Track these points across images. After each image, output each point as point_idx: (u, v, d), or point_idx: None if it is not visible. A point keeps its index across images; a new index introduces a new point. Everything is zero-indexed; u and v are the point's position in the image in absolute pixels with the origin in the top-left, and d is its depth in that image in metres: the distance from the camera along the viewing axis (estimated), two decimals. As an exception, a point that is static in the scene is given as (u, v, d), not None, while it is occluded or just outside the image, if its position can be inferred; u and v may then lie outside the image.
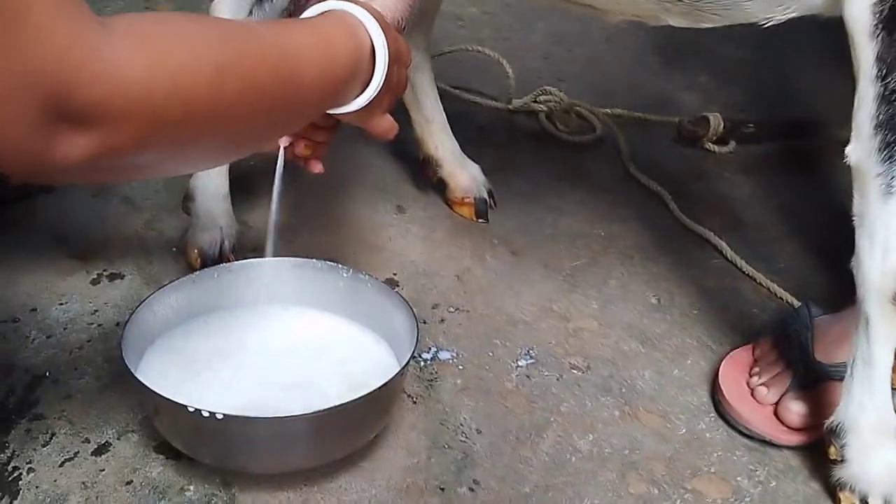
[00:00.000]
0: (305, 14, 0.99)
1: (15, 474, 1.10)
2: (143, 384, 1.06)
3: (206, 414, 1.01)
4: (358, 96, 1.00)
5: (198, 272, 1.28)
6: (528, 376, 1.32)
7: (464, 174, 1.65)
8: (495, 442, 1.21)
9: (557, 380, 1.32)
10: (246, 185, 1.56)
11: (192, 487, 1.11)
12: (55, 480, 1.10)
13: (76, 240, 1.47)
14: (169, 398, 1.04)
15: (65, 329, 1.31)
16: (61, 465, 1.12)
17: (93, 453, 1.14)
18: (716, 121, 1.90)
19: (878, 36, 1.02)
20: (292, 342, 1.23)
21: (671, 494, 1.16)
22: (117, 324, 1.31)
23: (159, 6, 2.27)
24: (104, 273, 1.42)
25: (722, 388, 1.29)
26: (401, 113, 1.13)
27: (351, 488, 1.13)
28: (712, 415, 1.29)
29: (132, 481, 1.11)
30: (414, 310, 1.20)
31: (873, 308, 1.08)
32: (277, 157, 1.15)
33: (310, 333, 1.25)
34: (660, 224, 1.67)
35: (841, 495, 1.15)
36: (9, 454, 1.13)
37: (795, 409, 1.24)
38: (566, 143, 1.89)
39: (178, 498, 1.10)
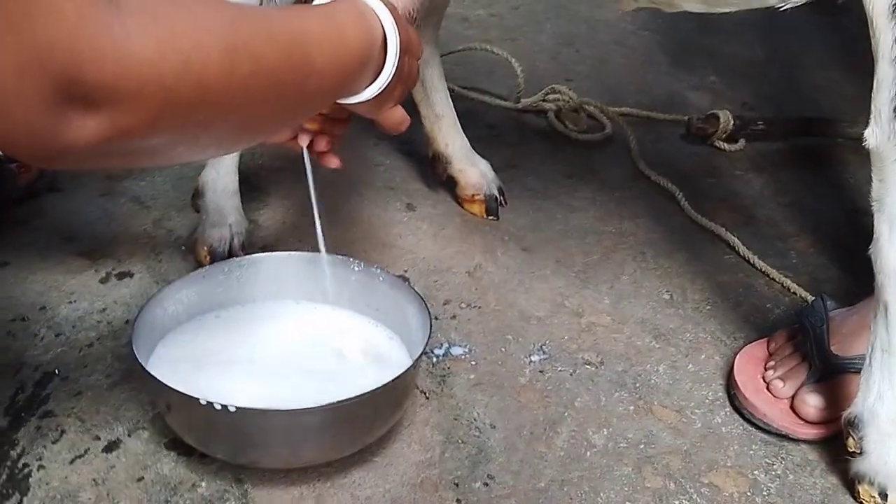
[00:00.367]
0: (317, 1, 0.98)
1: (25, 471, 1.09)
2: (154, 378, 1.06)
3: (218, 406, 1.00)
4: (369, 86, 0.99)
5: (207, 267, 1.27)
6: (541, 371, 1.31)
7: (474, 171, 1.64)
8: (509, 437, 1.20)
9: (571, 375, 1.31)
10: (255, 182, 1.56)
11: (203, 484, 1.10)
12: (66, 477, 1.09)
13: (85, 238, 1.47)
14: (181, 391, 1.03)
15: (74, 327, 1.31)
16: (71, 462, 1.11)
17: (103, 450, 1.13)
18: (725, 118, 1.89)
19: None
20: (304, 337, 1.22)
21: (688, 489, 1.15)
22: (126, 321, 1.31)
23: None
24: (113, 271, 1.41)
25: (737, 381, 1.27)
26: (410, 111, 1.12)
27: (364, 483, 1.12)
28: (728, 409, 1.28)
29: (143, 478, 1.10)
30: (426, 303, 1.19)
31: (893, 295, 1.07)
32: (298, 155, 1.13)
33: (321, 328, 1.24)
34: (671, 220, 1.66)
35: (860, 488, 1.13)
36: (19, 451, 1.12)
37: (812, 403, 1.23)
38: (576, 142, 1.88)
39: (189, 494, 1.09)
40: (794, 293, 1.49)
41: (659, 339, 1.39)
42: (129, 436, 1.15)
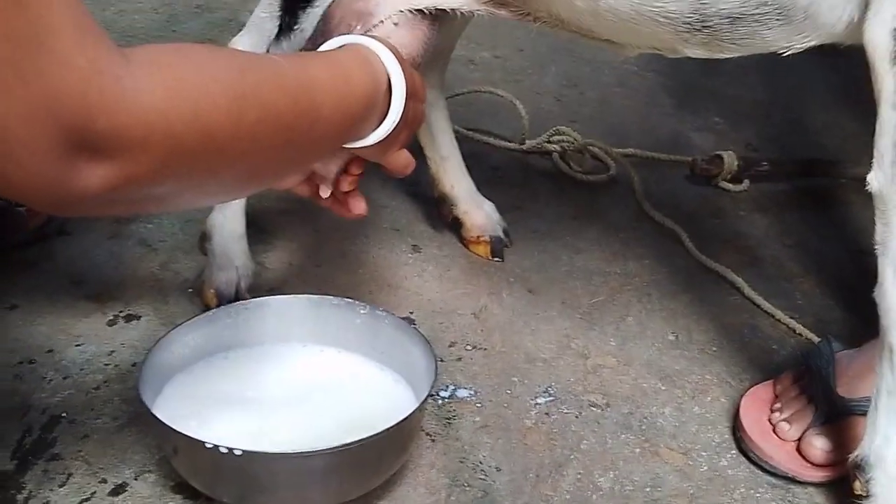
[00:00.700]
0: (323, 48, 0.99)
1: (31, 514, 1.10)
2: (160, 421, 1.06)
3: (224, 450, 1.00)
4: (375, 130, 1.00)
5: (214, 310, 1.27)
6: (547, 413, 1.31)
7: (479, 213, 1.65)
8: (515, 479, 1.20)
9: (577, 417, 1.31)
10: (262, 225, 1.56)
11: (209, 527, 1.10)
12: (72, 521, 1.09)
13: (92, 281, 1.47)
14: (187, 434, 1.04)
15: (81, 370, 1.31)
16: (78, 506, 1.11)
17: (110, 493, 1.13)
18: (730, 159, 1.90)
19: None
20: (310, 380, 1.23)
21: (695, 532, 1.15)
22: (133, 364, 1.31)
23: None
24: (120, 314, 1.42)
25: (743, 424, 1.27)
26: (415, 153, 1.13)
27: (370, 527, 1.12)
28: (734, 451, 1.28)
29: (149, 521, 1.10)
30: (432, 346, 1.20)
31: (898, 338, 1.07)
32: (304, 199, 1.13)
33: (327, 371, 1.24)
34: (676, 262, 1.67)
35: (867, 531, 1.13)
36: (26, 495, 1.12)
37: (819, 445, 1.22)
38: (580, 183, 1.89)
39: (195, 537, 1.09)
40: (800, 334, 1.49)
41: (665, 380, 1.39)
42: (136, 479, 1.15)
